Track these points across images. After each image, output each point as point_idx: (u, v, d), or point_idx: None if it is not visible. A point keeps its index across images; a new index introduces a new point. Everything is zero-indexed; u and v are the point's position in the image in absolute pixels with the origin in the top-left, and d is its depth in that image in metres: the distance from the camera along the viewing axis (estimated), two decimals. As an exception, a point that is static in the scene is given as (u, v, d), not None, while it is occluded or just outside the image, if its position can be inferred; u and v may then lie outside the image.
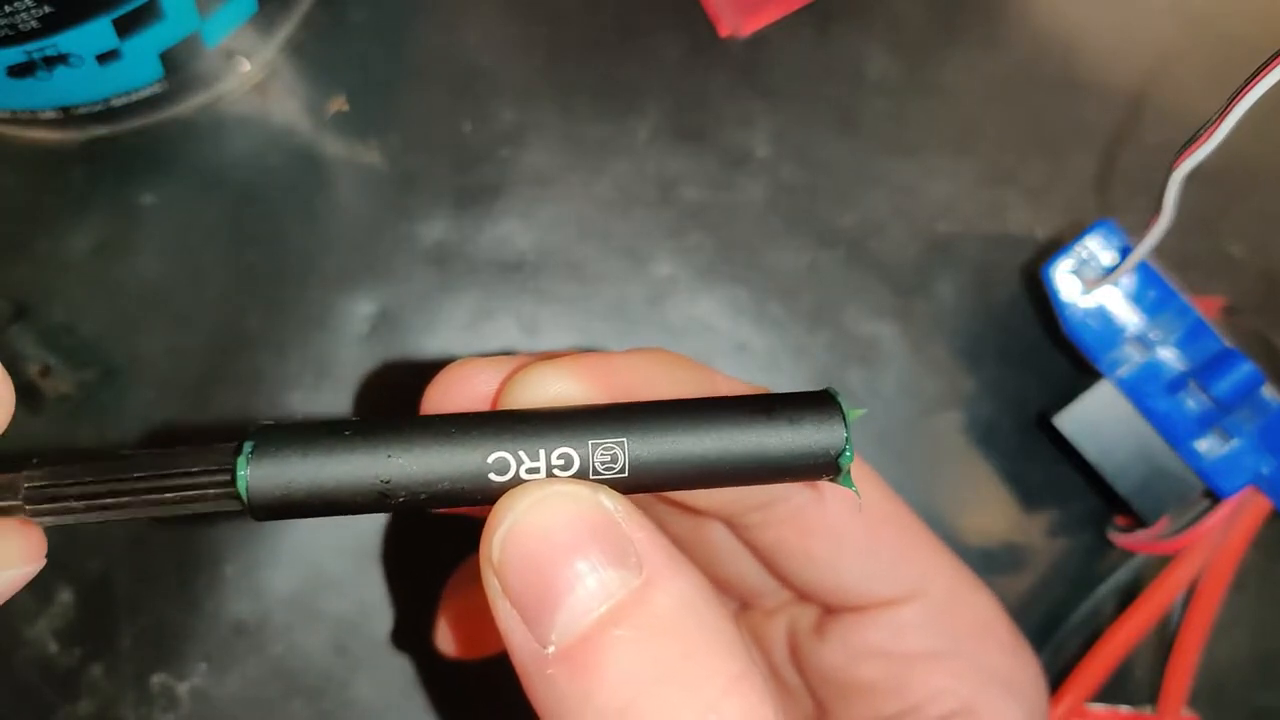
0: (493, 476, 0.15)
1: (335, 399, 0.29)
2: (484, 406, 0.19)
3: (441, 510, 0.16)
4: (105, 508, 0.15)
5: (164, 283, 0.29)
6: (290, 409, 0.29)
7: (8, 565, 0.15)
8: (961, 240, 0.30)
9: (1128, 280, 0.27)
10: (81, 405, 0.28)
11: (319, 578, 0.28)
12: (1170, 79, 0.31)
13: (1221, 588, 0.27)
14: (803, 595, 0.23)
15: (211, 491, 0.15)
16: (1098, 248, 0.27)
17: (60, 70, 0.25)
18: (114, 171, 0.29)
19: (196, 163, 0.29)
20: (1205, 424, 0.27)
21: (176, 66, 0.27)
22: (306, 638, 0.28)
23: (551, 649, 0.15)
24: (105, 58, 0.26)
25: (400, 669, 0.28)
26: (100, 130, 0.29)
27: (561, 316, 0.29)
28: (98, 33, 0.25)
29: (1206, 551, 0.27)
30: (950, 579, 0.22)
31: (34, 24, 0.23)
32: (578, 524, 0.15)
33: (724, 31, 0.31)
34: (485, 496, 0.15)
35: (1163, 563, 0.28)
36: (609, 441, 0.15)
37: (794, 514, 0.21)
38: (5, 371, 0.16)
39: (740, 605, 0.25)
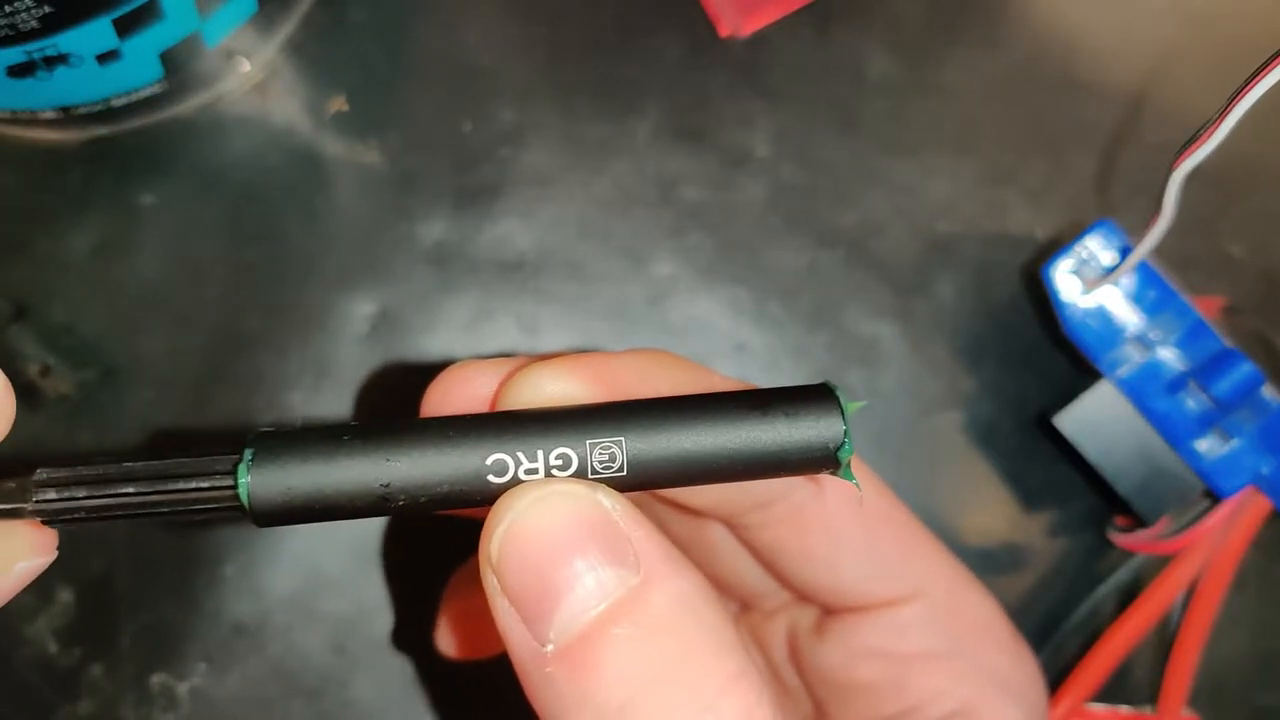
0: (491, 478, 0.15)
1: (335, 399, 0.29)
2: (483, 408, 0.19)
3: (442, 512, 0.16)
4: (110, 514, 0.16)
5: (164, 283, 0.29)
6: (290, 409, 0.29)
7: (22, 557, 0.16)
8: (961, 240, 0.30)
9: (1128, 280, 0.27)
10: (81, 405, 0.28)
11: (318, 578, 0.28)
12: (1170, 79, 0.31)
13: (1221, 588, 0.27)
14: (802, 596, 0.23)
15: (214, 499, 0.15)
16: (1098, 248, 0.27)
17: (60, 70, 0.25)
18: (114, 171, 0.29)
19: (196, 163, 0.29)
20: (1205, 424, 0.27)
21: (176, 66, 0.27)
22: (306, 638, 0.28)
23: (550, 647, 0.15)
24: (105, 58, 0.26)
25: (400, 669, 0.28)
26: (100, 130, 0.29)
27: (561, 316, 0.29)
28: (98, 33, 0.25)
29: (1206, 551, 0.27)
30: (949, 579, 0.22)
31: (34, 24, 0.23)
32: (576, 523, 0.15)
33: (724, 31, 0.31)
34: (485, 498, 0.15)
35: (1163, 563, 0.28)
36: (606, 440, 0.15)
37: (793, 513, 0.21)
38: (8, 381, 0.16)
39: (740, 606, 0.25)
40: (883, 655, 0.22)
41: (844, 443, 0.16)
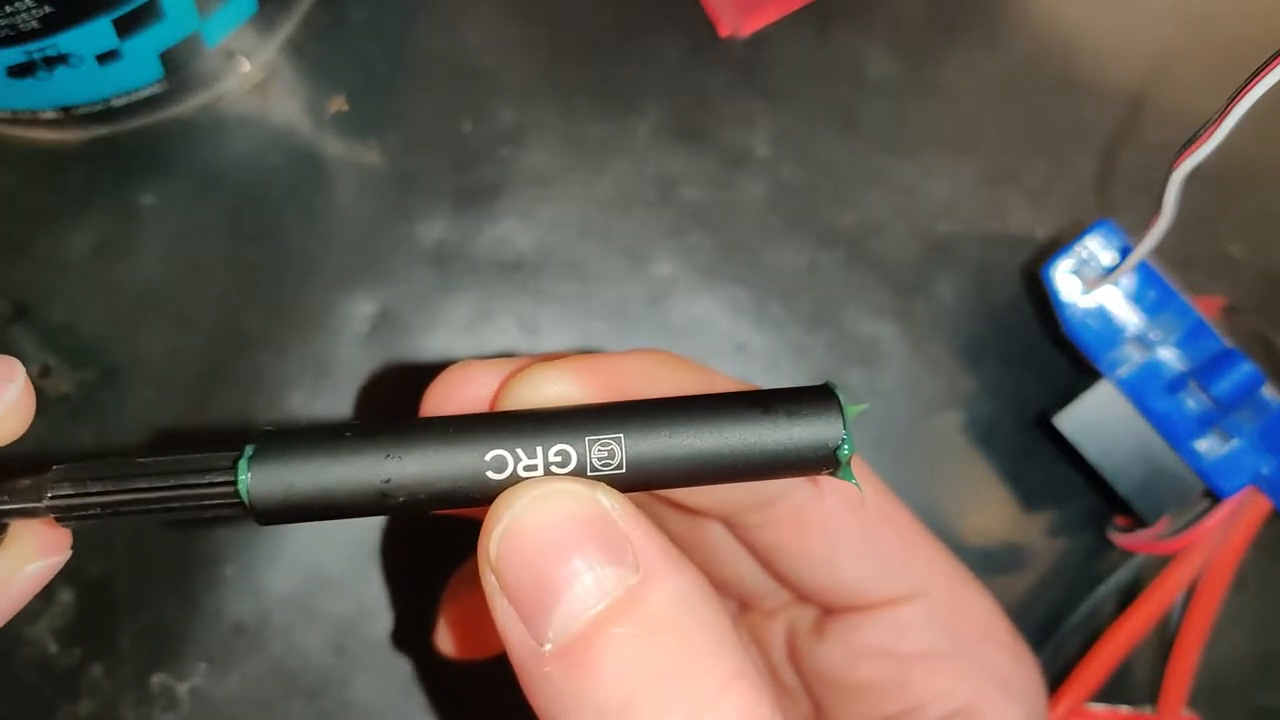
0: (491, 475, 0.15)
1: (335, 399, 0.29)
2: (484, 408, 0.19)
3: (442, 511, 0.16)
4: (118, 513, 0.16)
5: (164, 283, 0.29)
6: (290, 409, 0.29)
7: (33, 559, 0.16)
8: (961, 240, 0.30)
9: (1128, 280, 0.27)
10: (81, 405, 0.28)
11: (318, 578, 0.28)
12: (1170, 79, 0.31)
13: (1221, 588, 0.27)
14: (802, 595, 0.23)
15: (215, 498, 0.16)
16: (1098, 248, 0.27)
17: (60, 70, 0.25)
18: (114, 171, 0.29)
19: (196, 163, 0.29)
20: (1205, 424, 0.27)
21: (176, 66, 0.27)
22: (306, 638, 0.28)
23: (549, 646, 0.15)
24: (105, 58, 0.26)
25: (400, 669, 0.28)
26: (100, 130, 0.29)
27: (561, 316, 0.29)
28: (98, 33, 0.25)
29: (1206, 551, 0.27)
30: (949, 579, 0.22)
31: (34, 24, 0.23)
32: (575, 521, 0.15)
33: (724, 31, 0.31)
34: (484, 495, 0.16)
35: (1163, 563, 0.28)
36: (606, 438, 0.15)
37: (793, 513, 0.21)
38: (28, 380, 0.16)
39: (739, 606, 0.25)
40: (883, 654, 0.22)
41: (844, 443, 0.16)
